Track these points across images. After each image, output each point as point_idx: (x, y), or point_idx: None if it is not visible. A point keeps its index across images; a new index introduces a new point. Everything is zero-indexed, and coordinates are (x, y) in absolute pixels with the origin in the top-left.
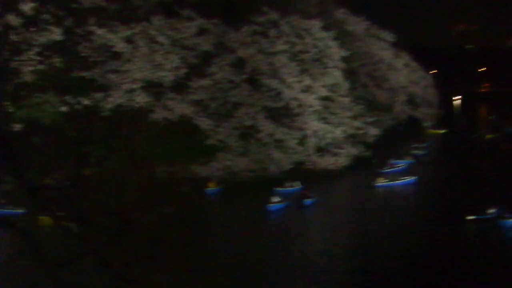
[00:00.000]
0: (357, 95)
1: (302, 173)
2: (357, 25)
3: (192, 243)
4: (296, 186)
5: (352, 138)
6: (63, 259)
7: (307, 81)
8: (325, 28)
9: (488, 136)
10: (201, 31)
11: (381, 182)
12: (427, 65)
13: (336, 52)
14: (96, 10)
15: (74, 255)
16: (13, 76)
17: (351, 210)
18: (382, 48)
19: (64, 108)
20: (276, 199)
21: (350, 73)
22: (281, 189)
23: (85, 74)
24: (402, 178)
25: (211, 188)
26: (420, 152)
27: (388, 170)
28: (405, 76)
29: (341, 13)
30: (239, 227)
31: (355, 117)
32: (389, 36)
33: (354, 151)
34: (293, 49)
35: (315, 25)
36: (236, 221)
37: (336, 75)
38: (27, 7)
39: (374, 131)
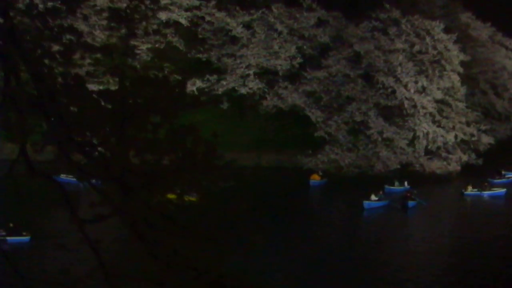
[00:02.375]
0: (474, 101)
1: (409, 174)
2: (482, 30)
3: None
4: (405, 186)
5: (464, 145)
6: (91, 216)
7: (423, 82)
8: (447, 30)
9: None
10: (320, 23)
11: (470, 191)
12: None
13: (455, 55)
14: None
15: (101, 214)
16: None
17: (451, 216)
18: (505, 56)
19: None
20: (376, 197)
21: (469, 79)
22: (390, 187)
23: (201, 56)
24: (493, 189)
25: (316, 180)
26: None
27: (498, 180)
28: None
29: (466, 17)
30: (335, 220)
31: (469, 124)
32: None
33: (464, 157)
34: (411, 48)
35: (437, 26)
36: (333, 214)
37: (453, 79)
38: None
39: (487, 139)
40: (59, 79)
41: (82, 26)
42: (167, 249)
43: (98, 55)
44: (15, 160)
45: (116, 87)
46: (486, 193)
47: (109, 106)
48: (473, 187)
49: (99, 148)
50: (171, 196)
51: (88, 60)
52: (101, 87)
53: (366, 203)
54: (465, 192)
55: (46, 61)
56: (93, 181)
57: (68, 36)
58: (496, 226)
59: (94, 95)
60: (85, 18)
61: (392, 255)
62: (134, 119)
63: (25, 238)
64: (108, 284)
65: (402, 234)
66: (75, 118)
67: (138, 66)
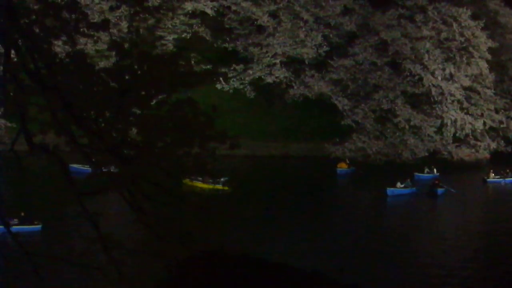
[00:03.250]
0: (503, 88)
1: (437, 162)
2: (510, 17)
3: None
4: (434, 173)
5: (493, 132)
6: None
7: (450, 70)
8: (475, 17)
9: None
10: (346, 11)
11: (492, 178)
12: None
13: (483, 42)
14: None
15: (100, 187)
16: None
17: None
18: None
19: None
20: (402, 185)
21: (498, 66)
22: (420, 174)
23: (227, 45)
24: None
25: (343, 168)
26: None
27: None
28: None
29: (494, 4)
30: (359, 207)
31: (497, 111)
32: None
33: (493, 144)
34: (439, 36)
35: (464, 13)
36: (358, 202)
37: (481, 66)
38: None
39: None
40: (58, 55)
41: (109, 17)
42: (162, 219)
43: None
44: (16, 135)
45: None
46: (507, 180)
47: (109, 82)
48: (495, 174)
49: (97, 121)
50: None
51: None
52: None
53: (389, 190)
54: (487, 179)
55: (45, 36)
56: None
57: (68, 14)
58: None
59: (92, 70)
60: (111, 8)
61: (411, 242)
62: (132, 93)
63: (37, 227)
64: (106, 256)
65: (421, 221)
66: (72, 91)
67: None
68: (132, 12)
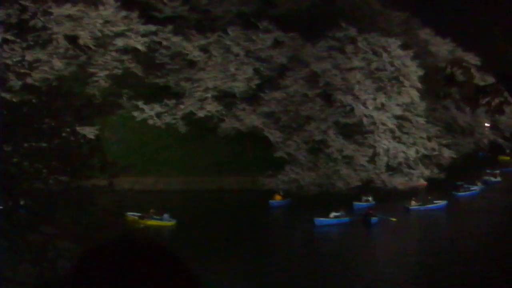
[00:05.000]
0: (436, 116)
1: (372, 190)
2: (441, 46)
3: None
4: (371, 202)
5: (426, 159)
6: None
7: (381, 99)
8: (406, 46)
9: None
10: (277, 44)
11: (414, 205)
12: None
13: (413, 71)
14: (176, 18)
15: None
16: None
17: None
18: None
19: (136, 113)
20: (335, 214)
21: (431, 94)
22: (359, 203)
23: (159, 81)
24: (434, 202)
25: (275, 200)
26: (492, 178)
27: (462, 193)
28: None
29: (425, 33)
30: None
31: (430, 138)
32: (474, 59)
33: (426, 172)
34: (369, 66)
35: (393, 43)
36: (288, 233)
37: (412, 95)
38: (106, 12)
39: (449, 153)
40: None
41: (40, 55)
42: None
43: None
44: None
45: None
46: (428, 206)
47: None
48: (417, 202)
49: None
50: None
51: None
52: None
53: (317, 220)
54: (410, 207)
55: None
56: None
57: None
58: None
59: None
60: (43, 45)
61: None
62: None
63: None
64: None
65: (341, 249)
66: None
67: (97, 93)
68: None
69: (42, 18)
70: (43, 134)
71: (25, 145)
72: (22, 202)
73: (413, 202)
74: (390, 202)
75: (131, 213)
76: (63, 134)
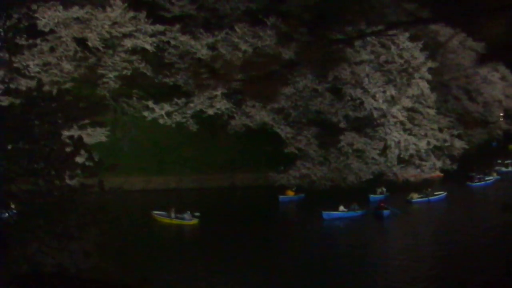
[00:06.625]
0: (447, 107)
1: (384, 183)
2: (451, 36)
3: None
4: (385, 194)
5: (438, 151)
6: None
7: (391, 92)
8: (416, 38)
9: None
10: (285, 39)
11: (416, 198)
12: None
13: (423, 63)
14: (184, 17)
15: None
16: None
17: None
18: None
19: (146, 113)
20: (345, 208)
21: (441, 85)
22: (374, 195)
23: (168, 80)
24: (435, 194)
25: (287, 196)
26: (504, 168)
27: (476, 184)
28: (501, 90)
29: (435, 24)
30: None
31: (441, 130)
32: (485, 49)
33: (438, 163)
34: (378, 59)
35: (402, 35)
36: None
37: (422, 86)
38: (114, 13)
39: (461, 144)
40: None
41: (49, 58)
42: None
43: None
44: None
45: None
46: (430, 198)
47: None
48: (418, 194)
49: None
50: None
51: None
52: None
53: (325, 213)
54: (412, 200)
55: None
56: None
57: None
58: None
59: None
60: (52, 49)
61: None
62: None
63: None
64: None
65: (346, 241)
66: None
67: (107, 94)
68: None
69: (51, 22)
70: (29, 136)
71: (9, 147)
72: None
73: (415, 195)
74: (404, 194)
75: (157, 212)
76: (50, 136)
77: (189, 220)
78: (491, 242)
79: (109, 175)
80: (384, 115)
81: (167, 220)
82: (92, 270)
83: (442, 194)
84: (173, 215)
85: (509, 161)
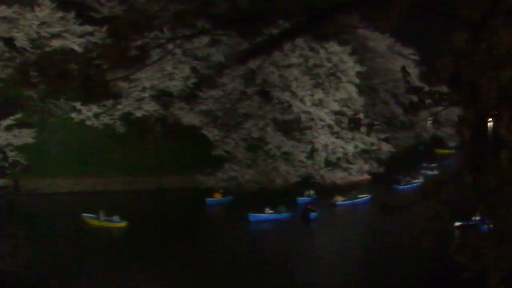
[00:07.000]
0: (375, 111)
1: (312, 186)
2: (380, 41)
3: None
4: (313, 196)
5: (366, 154)
6: None
7: (319, 95)
8: (345, 42)
9: None
10: (214, 42)
11: (340, 201)
12: None
13: (351, 67)
14: (113, 18)
15: None
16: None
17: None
18: (405, 66)
19: (74, 115)
20: (270, 210)
21: (370, 89)
22: (302, 198)
23: None
24: (359, 197)
25: (216, 198)
26: (429, 172)
27: (403, 187)
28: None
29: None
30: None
31: (368, 133)
32: (413, 54)
33: (366, 167)
34: (306, 62)
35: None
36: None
37: (349, 90)
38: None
39: (387, 148)
40: None
41: None
42: None
43: None
44: None
45: None
46: (354, 201)
47: None
48: (342, 197)
49: None
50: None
51: None
52: None
53: (252, 216)
54: (336, 203)
55: None
56: None
57: None
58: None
59: None
60: None
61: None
62: None
63: None
64: None
65: (271, 243)
66: None
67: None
68: None
69: None
70: None
71: None
72: None
73: (339, 198)
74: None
75: (86, 214)
76: None
77: (118, 222)
78: (414, 242)
79: (36, 177)
80: (312, 118)
81: (96, 223)
82: None
83: (366, 197)
84: (102, 217)
85: (434, 165)
